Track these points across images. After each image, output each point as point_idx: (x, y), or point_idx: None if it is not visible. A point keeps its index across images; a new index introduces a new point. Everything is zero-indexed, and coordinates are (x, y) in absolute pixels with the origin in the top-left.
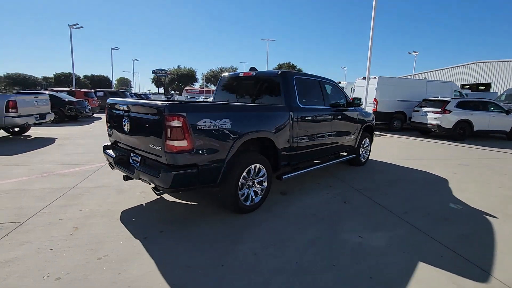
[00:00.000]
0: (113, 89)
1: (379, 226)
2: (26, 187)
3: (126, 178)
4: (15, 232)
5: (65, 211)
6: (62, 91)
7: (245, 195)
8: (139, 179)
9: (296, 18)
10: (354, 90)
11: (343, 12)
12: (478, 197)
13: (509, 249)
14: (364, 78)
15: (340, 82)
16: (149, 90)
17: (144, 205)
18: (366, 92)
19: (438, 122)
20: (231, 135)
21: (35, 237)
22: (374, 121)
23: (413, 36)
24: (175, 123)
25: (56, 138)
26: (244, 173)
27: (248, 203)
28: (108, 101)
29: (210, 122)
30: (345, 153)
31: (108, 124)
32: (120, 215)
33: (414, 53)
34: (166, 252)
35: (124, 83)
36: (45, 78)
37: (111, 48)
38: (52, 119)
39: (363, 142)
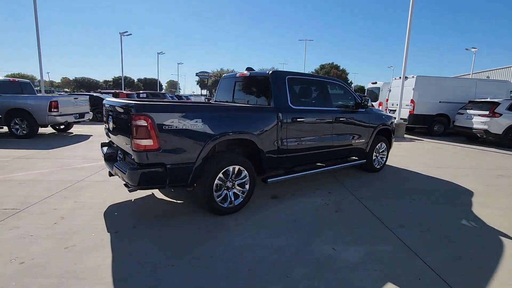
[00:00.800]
0: (157, 91)
1: (361, 239)
2: (42, 178)
3: (110, 174)
4: (11, 217)
5: (61, 201)
6: (107, 93)
7: (221, 197)
8: (117, 175)
9: (340, 18)
10: (390, 90)
11: (390, 8)
12: (502, 215)
13: (510, 278)
14: (405, 77)
15: (375, 83)
16: (193, 92)
17: (132, 200)
18: (401, 93)
19: (485, 127)
20: (202, 136)
21: (24, 223)
22: (393, 125)
23: (474, 32)
24: (141, 122)
25: (92, 135)
26: (220, 175)
27: (225, 205)
28: (103, 101)
29: (179, 122)
30: (356, 158)
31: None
32: (106, 208)
33: (473, 49)
34: (127, 247)
35: (173, 85)
36: (105, 81)
37: (157, 52)
38: (91, 118)
39: (377, 146)
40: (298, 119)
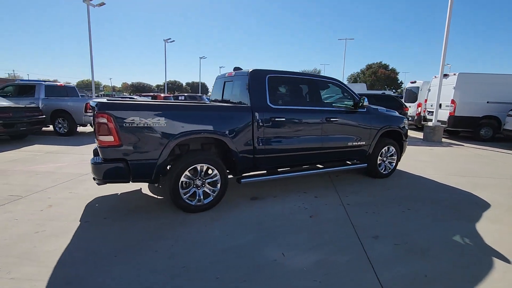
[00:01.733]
0: (195, 94)
1: (320, 247)
2: (56, 171)
3: None
4: (11, 203)
5: (59, 192)
6: (147, 96)
7: (189, 194)
8: None
9: (391, 13)
10: (429, 90)
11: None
12: (505, 232)
13: None
14: (445, 75)
15: (415, 82)
16: None
17: (119, 194)
18: (438, 92)
19: None
20: (164, 134)
21: (18, 209)
22: (405, 127)
23: None
24: (102, 120)
25: None
26: (187, 172)
27: (194, 203)
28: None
29: (140, 120)
30: (357, 161)
31: None
32: (91, 199)
33: None
34: (87, 236)
35: None
36: (158, 86)
37: (200, 57)
38: None
39: (383, 150)
40: (277, 119)
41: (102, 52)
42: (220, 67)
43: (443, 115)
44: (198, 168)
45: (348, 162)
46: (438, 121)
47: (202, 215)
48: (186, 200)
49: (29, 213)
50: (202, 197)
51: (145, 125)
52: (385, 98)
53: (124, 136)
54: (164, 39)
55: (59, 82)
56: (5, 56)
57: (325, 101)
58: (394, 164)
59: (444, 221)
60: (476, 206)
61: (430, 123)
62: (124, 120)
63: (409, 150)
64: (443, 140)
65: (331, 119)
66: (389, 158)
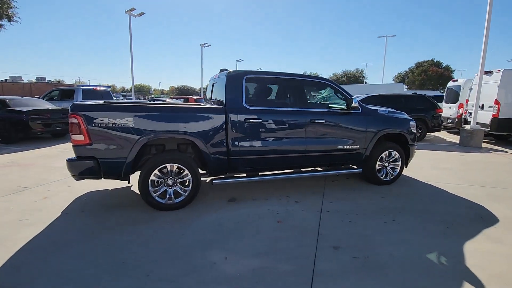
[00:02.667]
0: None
1: (269, 254)
2: None
3: None
4: (15, 194)
5: (60, 185)
6: (179, 98)
7: (159, 192)
8: None
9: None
10: (471, 89)
11: None
12: (506, 256)
13: None
14: (488, 72)
15: (456, 80)
16: None
17: (109, 190)
18: (477, 91)
19: None
20: (133, 134)
21: (19, 198)
22: (411, 130)
23: None
24: (74, 120)
25: None
26: (157, 171)
27: (164, 201)
28: None
29: (109, 120)
30: (354, 166)
31: None
32: (82, 194)
33: None
34: (60, 227)
35: None
36: (200, 89)
37: (236, 60)
38: None
39: (383, 155)
40: (252, 120)
41: (153, 58)
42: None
43: (486, 117)
44: (168, 167)
45: (343, 166)
46: (479, 123)
47: (170, 214)
48: (156, 198)
49: (25, 203)
50: (173, 196)
51: (114, 125)
52: (415, 99)
53: (94, 135)
54: (200, 43)
55: (115, 86)
56: (72, 65)
57: (311, 102)
58: (398, 170)
59: (428, 236)
60: (480, 221)
61: (467, 126)
62: (94, 121)
63: (435, 156)
64: (484, 145)
65: (316, 121)
66: (391, 163)
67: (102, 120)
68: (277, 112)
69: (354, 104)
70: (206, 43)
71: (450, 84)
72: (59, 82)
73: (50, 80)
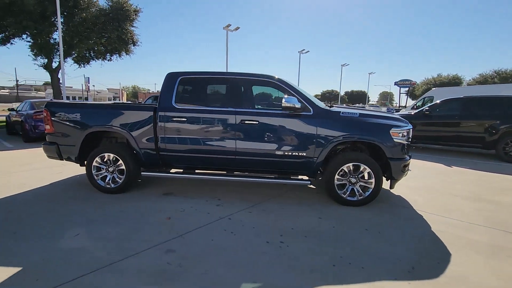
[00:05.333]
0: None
1: (114, 242)
2: None
3: None
4: (53, 175)
5: (55, 172)
6: None
7: (100, 176)
8: None
9: None
10: None
11: None
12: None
13: None
14: None
15: None
16: (395, 104)
17: (77, 176)
18: None
19: None
20: (79, 126)
21: (28, 175)
22: (395, 139)
23: None
24: (44, 114)
25: None
26: (97, 158)
27: (103, 184)
28: None
29: (65, 114)
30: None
31: None
32: (73, 175)
33: None
34: (37, 203)
35: (385, 97)
36: (316, 95)
37: (341, 65)
38: None
39: (344, 168)
40: (178, 119)
41: (254, 66)
42: (369, 73)
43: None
44: (106, 156)
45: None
46: None
47: (101, 198)
48: (98, 181)
49: (43, 174)
50: (111, 181)
51: (68, 119)
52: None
53: (56, 125)
54: (298, 50)
55: None
56: None
57: (247, 102)
58: (370, 189)
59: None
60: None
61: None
62: (55, 114)
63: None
64: None
65: (247, 122)
66: (361, 180)
67: (60, 114)
68: (204, 111)
69: (285, 103)
70: (304, 49)
71: None
72: None
73: None
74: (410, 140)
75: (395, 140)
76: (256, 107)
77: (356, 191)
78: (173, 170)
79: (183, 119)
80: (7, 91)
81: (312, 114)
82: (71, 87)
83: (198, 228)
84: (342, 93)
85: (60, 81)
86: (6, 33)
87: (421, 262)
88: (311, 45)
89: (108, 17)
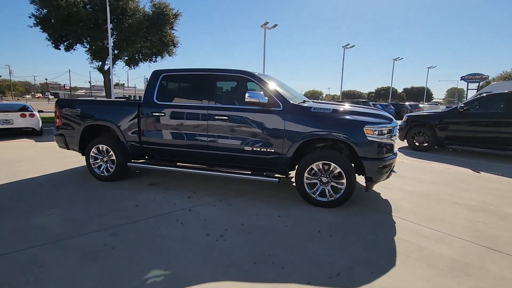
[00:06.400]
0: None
1: (92, 216)
2: None
3: None
4: (69, 165)
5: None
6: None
7: (97, 165)
8: None
9: None
10: None
11: None
12: None
13: None
14: None
15: None
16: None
17: None
18: None
19: None
20: (79, 119)
21: (64, 157)
22: (368, 137)
23: None
24: (55, 109)
25: None
26: (94, 149)
27: (98, 173)
28: None
29: (69, 110)
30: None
31: None
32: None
33: None
34: (36, 181)
35: (453, 94)
36: (369, 93)
37: (393, 59)
38: None
39: (314, 167)
40: (156, 114)
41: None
42: (428, 68)
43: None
44: (100, 147)
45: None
46: None
47: (94, 185)
48: (94, 169)
49: (66, 162)
50: (104, 170)
51: (71, 113)
52: None
53: (63, 119)
54: (342, 45)
55: None
56: None
57: (221, 98)
58: (342, 191)
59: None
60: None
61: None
62: (62, 110)
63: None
64: None
65: (217, 117)
66: (333, 180)
67: (66, 109)
68: (180, 107)
69: (249, 98)
70: (349, 44)
71: None
72: None
73: None
74: (391, 138)
75: (368, 138)
76: (235, 102)
77: (327, 191)
78: (155, 163)
79: (162, 114)
80: (83, 91)
81: (282, 109)
82: (135, 87)
83: (154, 216)
84: (400, 90)
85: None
86: (70, 41)
87: (354, 269)
88: (358, 39)
89: (151, 22)
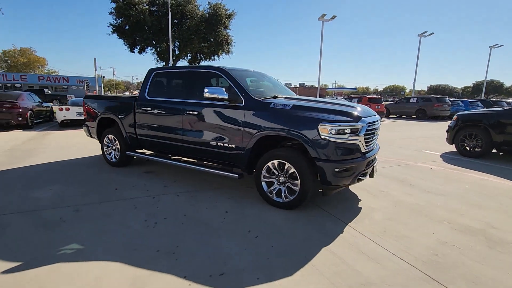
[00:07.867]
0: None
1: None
2: None
3: None
4: (84, 151)
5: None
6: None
7: (108, 153)
8: None
9: None
10: None
11: None
12: None
13: None
14: None
15: None
16: None
17: None
18: None
19: None
20: (96, 112)
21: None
22: (323, 135)
23: None
24: (83, 104)
25: None
26: (105, 139)
27: (109, 158)
28: None
29: (89, 104)
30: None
31: None
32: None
33: None
34: (42, 167)
35: None
36: (465, 88)
37: (490, 46)
38: None
39: (270, 165)
40: (145, 109)
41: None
42: None
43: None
44: (110, 137)
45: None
46: None
47: (103, 169)
48: (106, 156)
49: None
50: (113, 158)
51: (90, 107)
52: None
53: (86, 112)
54: (418, 34)
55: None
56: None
57: (196, 93)
58: (296, 192)
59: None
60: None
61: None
62: (85, 104)
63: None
64: None
65: (188, 112)
66: (289, 181)
67: (87, 103)
68: (161, 102)
69: (207, 94)
70: (426, 32)
71: None
72: (312, 86)
73: (307, 85)
74: (357, 139)
75: (322, 136)
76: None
77: (282, 192)
78: (148, 153)
79: (149, 109)
80: None
81: (243, 105)
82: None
83: (121, 200)
84: (508, 84)
85: None
86: (142, 45)
87: (244, 272)
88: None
89: (207, 23)
